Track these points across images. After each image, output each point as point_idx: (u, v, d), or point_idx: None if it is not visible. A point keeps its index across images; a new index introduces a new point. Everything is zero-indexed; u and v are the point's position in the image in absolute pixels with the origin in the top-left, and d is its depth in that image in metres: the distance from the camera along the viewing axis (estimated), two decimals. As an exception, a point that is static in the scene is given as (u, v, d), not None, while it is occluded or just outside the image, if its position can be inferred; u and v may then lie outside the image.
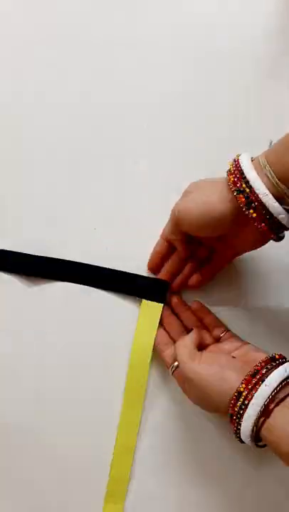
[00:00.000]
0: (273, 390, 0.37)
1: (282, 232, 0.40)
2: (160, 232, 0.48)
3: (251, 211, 0.38)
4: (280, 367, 0.38)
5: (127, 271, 0.49)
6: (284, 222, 0.38)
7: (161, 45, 0.51)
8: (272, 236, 0.39)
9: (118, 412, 0.48)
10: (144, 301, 0.47)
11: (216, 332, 0.47)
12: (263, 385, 0.37)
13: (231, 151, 0.50)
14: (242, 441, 0.39)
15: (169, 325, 0.47)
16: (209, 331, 0.47)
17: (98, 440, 0.49)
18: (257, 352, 0.43)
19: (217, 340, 0.46)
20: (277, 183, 0.37)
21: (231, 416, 0.38)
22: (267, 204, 0.37)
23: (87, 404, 0.49)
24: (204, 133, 0.50)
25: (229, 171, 0.40)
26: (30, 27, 0.52)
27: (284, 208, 0.37)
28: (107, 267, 0.49)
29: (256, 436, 0.37)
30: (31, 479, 0.50)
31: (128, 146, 0.51)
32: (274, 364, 0.39)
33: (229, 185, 0.39)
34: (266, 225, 0.38)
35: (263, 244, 0.42)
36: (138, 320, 0.47)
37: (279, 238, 0.40)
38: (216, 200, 0.40)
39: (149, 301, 0.47)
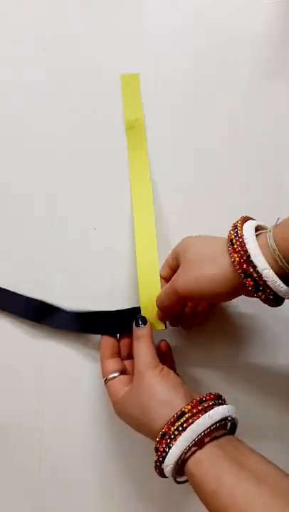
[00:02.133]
0: (213, 424, 0.36)
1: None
2: (160, 232, 0.48)
3: (260, 293, 0.37)
4: (225, 405, 0.38)
5: (127, 271, 0.49)
6: (287, 297, 0.38)
7: (161, 45, 0.51)
8: (274, 306, 0.39)
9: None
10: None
11: None
12: (206, 415, 0.36)
13: (232, 151, 0.50)
14: (161, 473, 0.37)
15: (123, 346, 0.46)
16: None
17: (98, 440, 0.49)
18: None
19: None
20: (286, 266, 0.36)
21: (163, 435, 0.36)
22: (275, 289, 0.36)
23: (87, 404, 0.49)
24: (204, 132, 0.50)
25: (232, 244, 0.38)
26: (28, 28, 0.53)
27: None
28: (107, 267, 0.50)
29: (180, 466, 0.36)
30: (31, 479, 0.50)
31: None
32: (220, 402, 0.38)
33: (235, 265, 0.37)
34: (271, 301, 0.38)
35: None
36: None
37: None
38: (221, 279, 0.38)
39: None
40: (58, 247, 0.50)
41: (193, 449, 0.35)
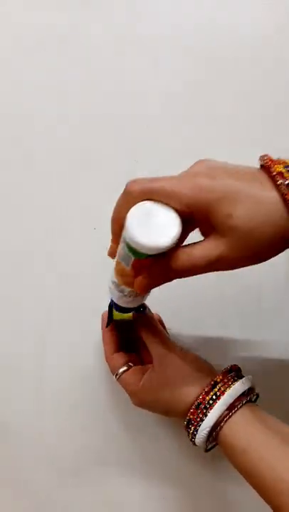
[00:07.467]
0: (245, 390, 0.39)
1: None
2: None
3: None
4: (250, 376, 0.40)
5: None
6: None
7: (161, 45, 0.51)
8: None
9: (118, 414, 0.48)
10: None
11: None
12: (240, 381, 0.39)
13: (231, 151, 0.50)
14: (194, 442, 0.39)
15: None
16: None
17: (99, 440, 0.49)
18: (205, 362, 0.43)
19: None
20: None
21: (198, 405, 0.38)
22: None
23: (87, 405, 0.49)
24: (204, 133, 0.50)
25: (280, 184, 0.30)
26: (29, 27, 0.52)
27: None
28: (106, 267, 0.49)
29: (213, 429, 0.37)
30: (31, 479, 0.50)
31: (128, 146, 0.51)
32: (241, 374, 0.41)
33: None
34: None
35: None
36: None
37: None
38: (274, 235, 0.31)
39: None
40: (58, 247, 0.50)
41: (226, 412, 0.37)
